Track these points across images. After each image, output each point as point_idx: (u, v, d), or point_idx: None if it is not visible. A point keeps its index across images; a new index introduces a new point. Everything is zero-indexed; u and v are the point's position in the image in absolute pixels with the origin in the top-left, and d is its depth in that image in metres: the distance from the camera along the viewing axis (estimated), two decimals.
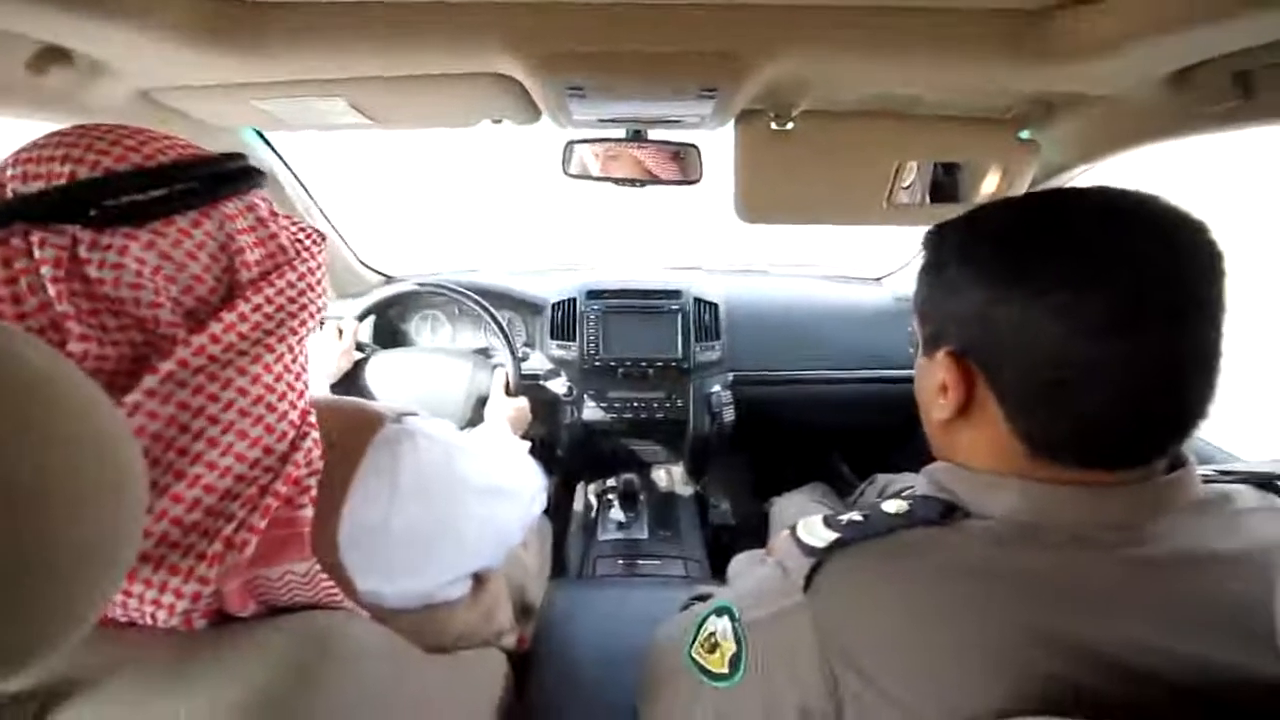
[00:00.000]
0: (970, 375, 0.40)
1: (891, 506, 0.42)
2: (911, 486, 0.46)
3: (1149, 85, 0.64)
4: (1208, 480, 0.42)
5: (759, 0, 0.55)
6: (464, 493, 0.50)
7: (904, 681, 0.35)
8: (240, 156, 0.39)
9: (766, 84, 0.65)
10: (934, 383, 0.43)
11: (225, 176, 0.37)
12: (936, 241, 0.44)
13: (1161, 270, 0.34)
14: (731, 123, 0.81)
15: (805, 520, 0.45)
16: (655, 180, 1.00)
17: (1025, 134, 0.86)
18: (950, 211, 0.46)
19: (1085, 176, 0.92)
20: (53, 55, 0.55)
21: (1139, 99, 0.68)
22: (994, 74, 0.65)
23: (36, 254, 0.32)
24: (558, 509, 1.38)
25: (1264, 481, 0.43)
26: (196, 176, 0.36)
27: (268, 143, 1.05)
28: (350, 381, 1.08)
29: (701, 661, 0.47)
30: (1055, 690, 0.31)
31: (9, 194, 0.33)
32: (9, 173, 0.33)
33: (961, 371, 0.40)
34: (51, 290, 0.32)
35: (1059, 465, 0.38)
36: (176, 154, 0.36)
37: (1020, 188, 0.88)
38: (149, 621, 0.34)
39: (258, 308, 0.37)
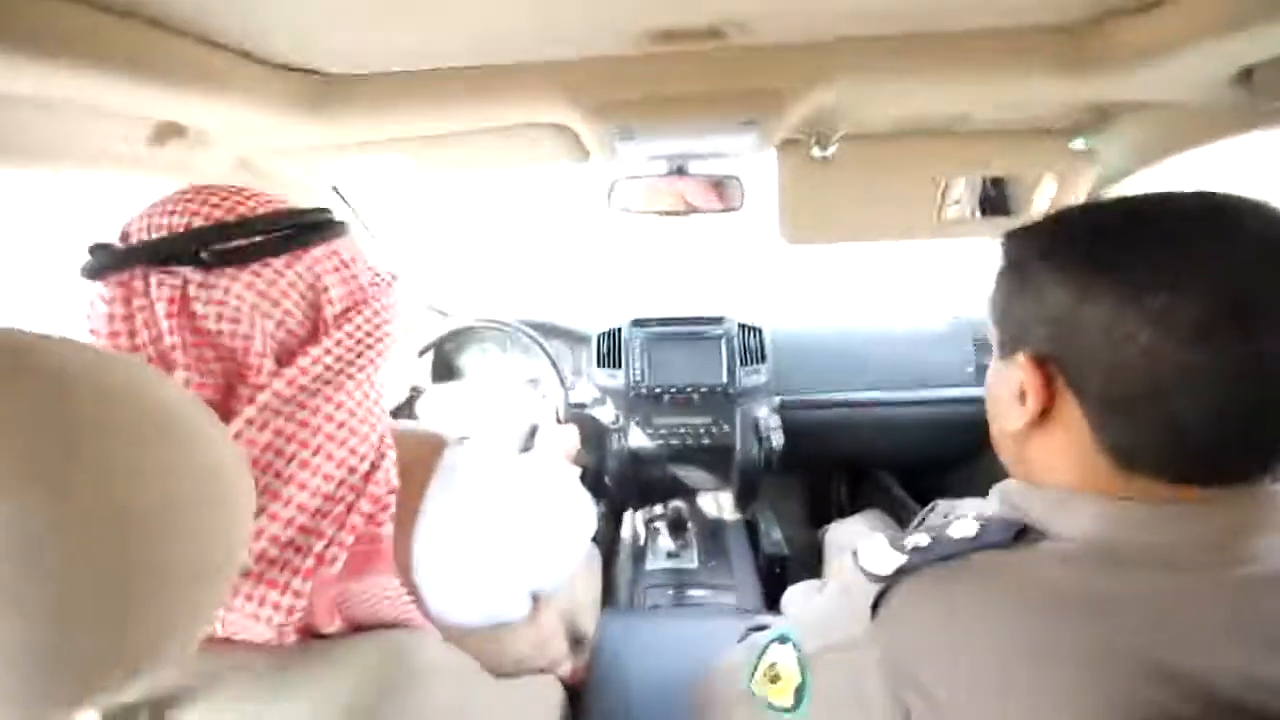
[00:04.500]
0: (1052, 380, 0.38)
1: (959, 530, 0.41)
2: (977, 511, 0.45)
3: (1207, 87, 0.61)
4: None
5: (797, 39, 0.57)
6: (525, 514, 0.52)
7: (982, 714, 0.33)
8: (326, 210, 0.45)
9: (807, 113, 0.67)
10: (1009, 389, 0.41)
11: (314, 226, 0.42)
12: (1018, 241, 0.43)
13: (1267, 275, 0.32)
14: (773, 150, 0.83)
15: (867, 543, 0.44)
16: (698, 210, 1.03)
17: (1080, 142, 0.84)
18: (1004, 224, 0.45)
19: (1145, 179, 0.88)
20: (170, 129, 0.63)
21: (1198, 100, 0.66)
22: (1045, 88, 0.64)
23: (153, 293, 0.37)
24: (606, 538, 1.38)
25: None
26: (290, 225, 0.41)
27: (342, 196, 1.15)
28: (407, 413, 1.14)
29: (763, 694, 0.46)
30: None
31: (135, 242, 0.38)
32: (135, 225, 0.39)
33: (1043, 376, 0.38)
34: (164, 325, 0.36)
35: (1146, 479, 0.36)
36: (274, 207, 0.41)
37: (1079, 197, 0.85)
38: (247, 635, 0.36)
39: (339, 342, 0.41)
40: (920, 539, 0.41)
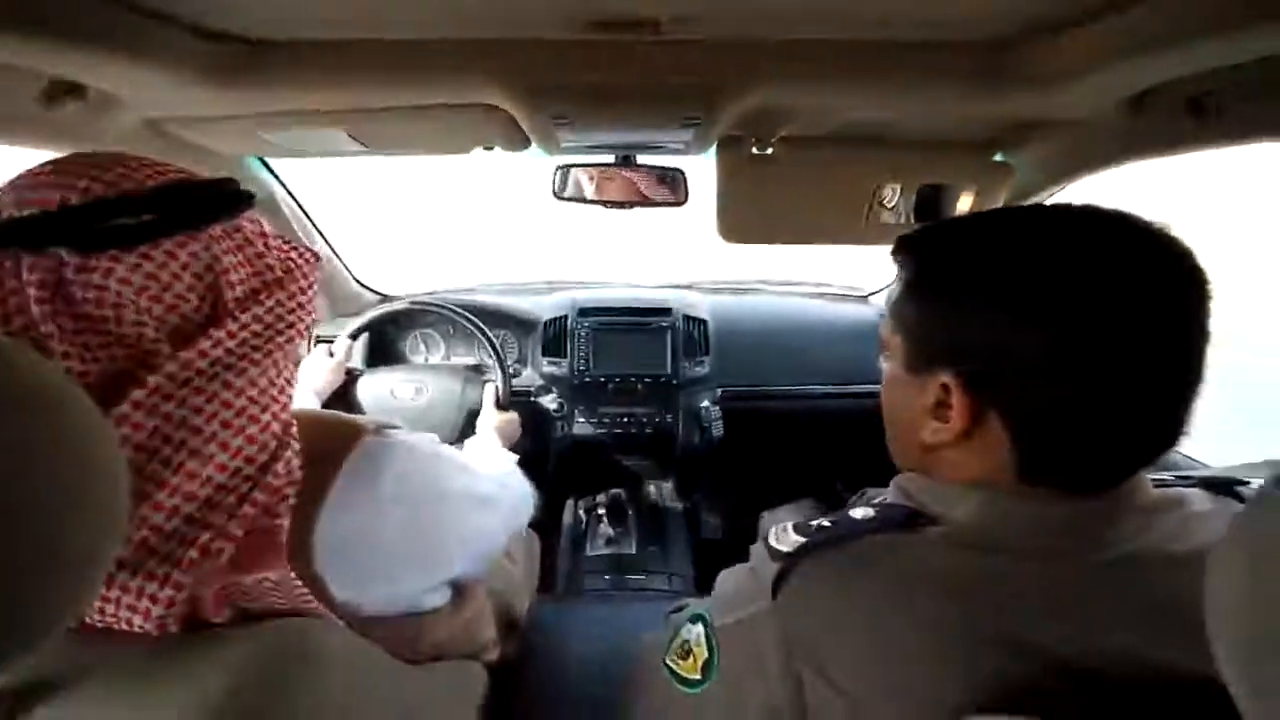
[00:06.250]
0: (977, 401, 0.39)
1: (859, 513, 0.44)
2: (880, 498, 0.48)
3: (1108, 110, 0.67)
4: (1164, 485, 0.42)
5: (734, 36, 0.58)
6: (444, 501, 0.52)
7: (867, 685, 0.36)
8: (229, 181, 0.41)
9: (745, 113, 0.68)
10: (922, 403, 0.42)
11: (212, 201, 0.39)
12: (929, 255, 0.43)
13: (1177, 298, 0.35)
14: (714, 147, 0.84)
15: (777, 526, 0.46)
16: (644, 202, 1.04)
17: (999, 157, 0.90)
18: None
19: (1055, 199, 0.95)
20: (64, 88, 0.58)
21: (1101, 124, 0.72)
22: (962, 101, 0.68)
23: (25, 276, 0.33)
24: (547, 524, 1.38)
25: (1219, 485, 0.44)
26: (184, 202, 0.37)
27: (270, 170, 1.09)
28: (342, 399, 1.10)
29: (675, 668, 0.48)
30: (1010, 691, 0.32)
31: (4, 218, 0.34)
32: (6, 198, 0.35)
33: (970, 397, 0.39)
34: (36, 311, 0.33)
35: (1045, 487, 0.39)
36: (166, 179, 0.38)
37: (993, 209, 0.91)
38: (124, 626, 0.34)
39: (245, 325, 0.38)
40: (823, 521, 0.44)
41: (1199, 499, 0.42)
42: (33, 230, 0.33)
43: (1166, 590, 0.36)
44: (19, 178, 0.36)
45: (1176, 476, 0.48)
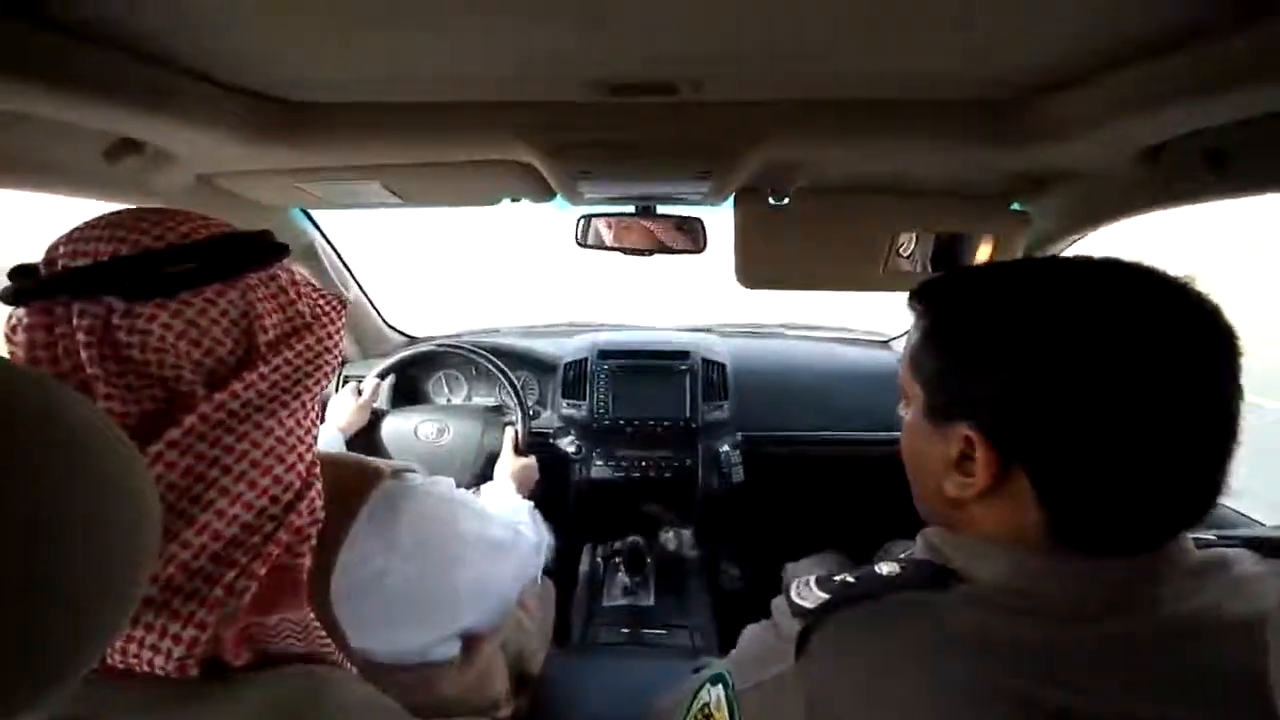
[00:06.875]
0: (1001, 457, 0.37)
1: (884, 569, 0.42)
2: (905, 553, 0.46)
3: (1124, 162, 0.67)
4: (1206, 545, 0.40)
5: (748, 98, 0.61)
6: (460, 548, 0.51)
7: None
8: (266, 233, 0.44)
9: (758, 167, 0.71)
10: (943, 455, 0.41)
11: (250, 252, 0.42)
12: (947, 304, 0.42)
13: (1209, 354, 0.34)
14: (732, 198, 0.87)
15: (799, 581, 0.44)
16: (662, 249, 1.06)
17: (1016, 206, 0.90)
18: None
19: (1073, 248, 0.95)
20: (126, 146, 0.63)
21: (1118, 174, 0.72)
22: (976, 157, 0.69)
23: (75, 321, 0.36)
24: (563, 571, 1.35)
25: (1267, 546, 0.42)
26: (224, 252, 0.40)
27: (312, 220, 1.16)
28: (366, 438, 1.11)
29: None
30: None
31: (59, 268, 0.37)
32: (61, 249, 0.38)
33: (995, 453, 0.37)
34: (84, 355, 0.35)
35: (1069, 547, 0.37)
36: (208, 233, 0.40)
37: (1012, 258, 0.90)
38: (146, 668, 0.34)
39: (276, 369, 0.40)
40: (847, 577, 0.42)
41: (1247, 560, 0.39)
42: (87, 279, 0.36)
43: (1220, 656, 0.33)
44: (73, 231, 0.39)
45: (1220, 536, 0.45)
